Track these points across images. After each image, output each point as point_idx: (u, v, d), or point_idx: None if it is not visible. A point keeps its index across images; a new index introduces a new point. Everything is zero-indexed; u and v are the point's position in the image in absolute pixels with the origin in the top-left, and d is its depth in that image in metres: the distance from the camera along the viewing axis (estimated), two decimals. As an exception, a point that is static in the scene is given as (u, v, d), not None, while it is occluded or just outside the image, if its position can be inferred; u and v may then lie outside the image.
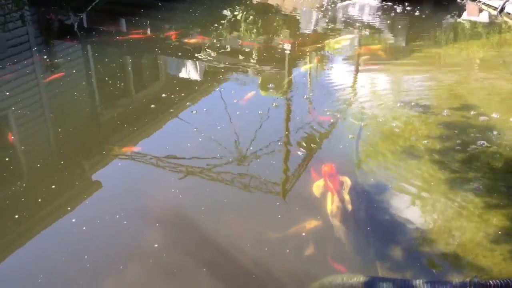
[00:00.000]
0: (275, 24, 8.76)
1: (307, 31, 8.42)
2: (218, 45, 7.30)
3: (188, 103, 5.25)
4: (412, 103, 5.06)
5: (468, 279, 2.73)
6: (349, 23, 8.64)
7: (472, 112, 4.81)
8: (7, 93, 5.53)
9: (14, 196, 3.71)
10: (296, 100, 5.42)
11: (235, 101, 5.29)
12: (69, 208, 3.51)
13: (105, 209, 3.51)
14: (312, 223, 3.29)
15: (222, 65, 6.47)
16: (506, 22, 8.58)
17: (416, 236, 3.25)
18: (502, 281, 2.62)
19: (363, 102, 5.18)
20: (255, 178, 3.88)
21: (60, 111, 5.38)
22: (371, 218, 3.43)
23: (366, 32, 8.11)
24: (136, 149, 4.34)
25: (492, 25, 8.52)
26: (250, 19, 8.72)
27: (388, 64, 6.52)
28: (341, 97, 5.33)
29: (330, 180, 3.71)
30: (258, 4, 9.83)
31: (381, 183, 3.78)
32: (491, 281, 2.65)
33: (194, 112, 5.05)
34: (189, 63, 6.59)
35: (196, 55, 6.76)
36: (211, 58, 6.69)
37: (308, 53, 6.99)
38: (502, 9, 8.91)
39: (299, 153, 4.25)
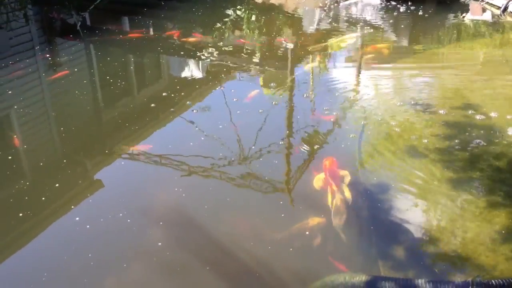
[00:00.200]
0: (277, 23, 8.76)
1: (309, 31, 8.41)
2: (218, 44, 7.30)
3: (190, 102, 5.26)
4: (415, 103, 5.06)
5: (470, 279, 2.73)
6: (352, 22, 8.64)
7: (475, 112, 4.81)
8: (10, 92, 5.55)
9: (18, 195, 3.72)
10: (298, 99, 5.43)
11: (235, 99, 5.29)
12: (72, 207, 3.52)
13: (108, 207, 3.52)
14: (314, 222, 3.30)
15: (224, 64, 6.47)
16: (509, 22, 8.56)
17: (418, 235, 3.25)
18: (504, 281, 2.62)
19: (366, 101, 5.18)
20: (258, 177, 3.89)
21: (62, 110, 5.39)
22: (373, 217, 3.43)
23: (369, 31, 8.10)
24: (146, 147, 4.34)
25: (495, 25, 8.50)
26: (252, 18, 8.73)
27: (391, 64, 6.52)
28: (344, 96, 5.32)
29: (331, 173, 3.71)
30: (261, 4, 9.83)
31: (383, 182, 3.78)
32: (493, 281, 2.64)
33: (196, 111, 5.06)
34: (191, 62, 6.60)
35: (198, 54, 6.76)
36: (214, 57, 6.70)
37: (311, 52, 6.99)
38: (506, 8, 8.89)
39: (302, 152, 4.25)
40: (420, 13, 9.00)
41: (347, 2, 9.75)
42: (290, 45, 7.23)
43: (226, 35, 7.87)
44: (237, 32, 8.03)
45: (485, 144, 4.22)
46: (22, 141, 4.63)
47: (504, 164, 3.96)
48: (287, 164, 4.14)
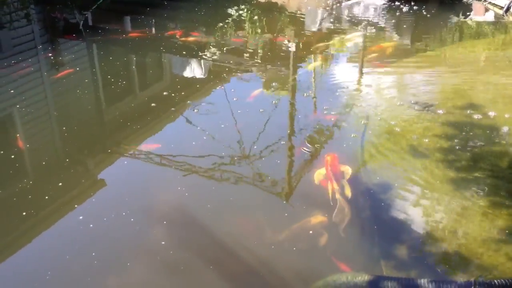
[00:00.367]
0: (280, 23, 8.76)
1: (312, 30, 8.41)
2: (220, 43, 7.30)
3: (192, 101, 5.27)
4: (417, 102, 5.05)
5: (473, 279, 2.73)
6: (354, 22, 8.63)
7: (477, 111, 4.80)
8: (12, 91, 5.56)
9: (21, 194, 3.74)
10: (300, 98, 5.43)
11: (237, 99, 5.29)
12: (76, 206, 3.53)
13: (111, 207, 3.53)
14: (316, 221, 3.30)
15: (226, 64, 6.48)
16: None
17: (421, 234, 3.25)
18: (507, 281, 2.62)
19: (368, 100, 5.18)
20: (260, 176, 3.89)
21: (65, 109, 5.40)
22: (375, 216, 3.43)
23: (372, 31, 8.10)
24: (148, 146, 4.35)
25: (498, 25, 8.49)
26: (255, 17, 8.73)
27: (393, 63, 6.51)
28: (346, 95, 5.32)
29: (332, 169, 3.72)
30: (263, 3, 9.83)
31: (385, 181, 3.78)
32: (496, 281, 2.64)
33: (198, 110, 5.06)
34: (193, 62, 6.60)
35: (200, 53, 6.77)
36: (216, 57, 6.70)
37: (313, 52, 6.99)
38: (508, 8, 8.87)
39: (304, 151, 4.25)
40: (423, 13, 8.99)
41: (349, 2, 9.74)
42: (292, 45, 7.23)
43: (229, 34, 7.87)
44: (239, 32, 8.03)
45: (487, 144, 4.22)
46: (24, 140, 4.64)
47: (506, 163, 3.96)
48: (289, 163, 4.14)
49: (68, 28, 8.44)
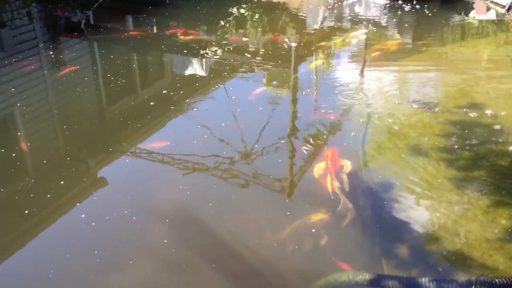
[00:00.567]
0: (281, 21, 8.75)
1: (313, 29, 8.40)
2: (221, 42, 7.30)
3: (193, 100, 5.27)
4: (418, 101, 5.05)
5: (474, 278, 2.73)
6: (356, 21, 8.62)
7: (478, 110, 4.79)
8: (13, 90, 5.56)
9: (22, 192, 3.74)
10: (302, 97, 5.43)
11: (238, 98, 5.29)
12: (77, 204, 3.54)
13: (113, 205, 3.53)
14: (318, 219, 3.30)
15: (227, 62, 6.48)
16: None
17: (422, 233, 3.25)
18: (508, 280, 2.62)
19: (369, 99, 5.17)
20: (262, 174, 3.89)
21: (66, 108, 5.41)
22: (376, 215, 3.43)
23: (373, 30, 8.09)
24: (149, 145, 4.35)
25: (500, 23, 8.47)
26: (256, 16, 8.72)
27: (395, 62, 6.50)
28: (347, 94, 5.32)
29: (332, 163, 3.72)
30: (265, 2, 9.81)
31: (386, 180, 3.78)
32: (497, 280, 2.64)
33: (198, 109, 5.06)
34: (194, 60, 6.60)
35: (201, 52, 6.76)
36: (217, 55, 6.70)
37: (314, 51, 6.99)
38: (510, 7, 8.85)
39: (305, 150, 4.25)
40: (424, 11, 8.97)
41: (350, 1, 9.72)
42: (294, 44, 7.22)
43: (230, 33, 7.86)
44: (241, 30, 8.03)
45: (488, 142, 4.21)
46: (26, 138, 4.64)
47: (507, 163, 3.96)
48: (290, 162, 4.14)
49: (70, 26, 8.45)
